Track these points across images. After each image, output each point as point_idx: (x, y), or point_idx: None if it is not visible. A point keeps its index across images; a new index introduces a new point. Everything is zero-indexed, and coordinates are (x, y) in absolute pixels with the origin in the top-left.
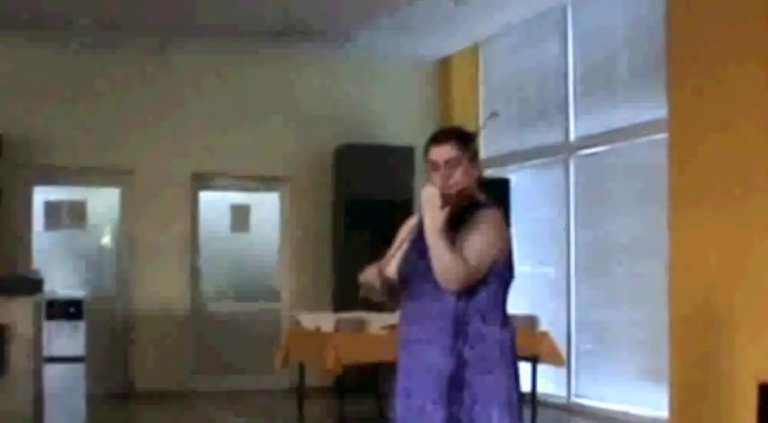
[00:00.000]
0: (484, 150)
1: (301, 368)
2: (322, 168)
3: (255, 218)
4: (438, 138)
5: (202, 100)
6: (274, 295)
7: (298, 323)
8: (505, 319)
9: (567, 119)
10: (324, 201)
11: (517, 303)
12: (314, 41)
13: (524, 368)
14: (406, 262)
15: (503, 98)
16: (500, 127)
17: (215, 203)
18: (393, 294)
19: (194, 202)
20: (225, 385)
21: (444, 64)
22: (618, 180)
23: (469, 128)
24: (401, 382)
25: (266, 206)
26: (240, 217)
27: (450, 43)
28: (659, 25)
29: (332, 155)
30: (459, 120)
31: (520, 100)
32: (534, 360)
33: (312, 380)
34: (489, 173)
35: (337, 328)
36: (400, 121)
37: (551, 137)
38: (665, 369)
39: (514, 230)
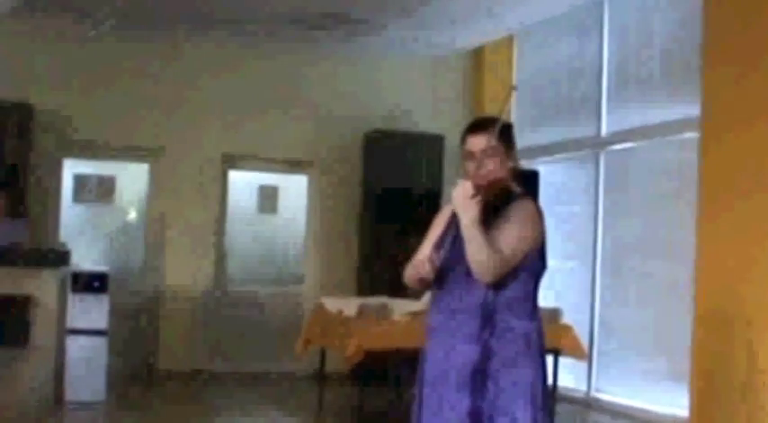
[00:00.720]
0: None
1: (323, 354)
2: (351, 154)
3: (283, 200)
4: (474, 127)
5: (235, 83)
6: (298, 279)
7: (321, 307)
8: (534, 312)
9: (599, 113)
10: (352, 186)
11: (543, 297)
12: (349, 30)
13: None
14: (438, 249)
15: (535, 90)
16: (531, 119)
17: (244, 184)
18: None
19: (223, 181)
20: (246, 368)
21: (478, 54)
22: (648, 177)
23: (504, 119)
24: (427, 371)
25: (294, 188)
26: (268, 198)
27: (485, 34)
28: (696, 23)
29: (361, 140)
30: (490, 111)
31: (552, 92)
32: (556, 353)
33: (334, 365)
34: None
35: (360, 313)
36: (431, 110)
37: (583, 131)
38: (687, 368)
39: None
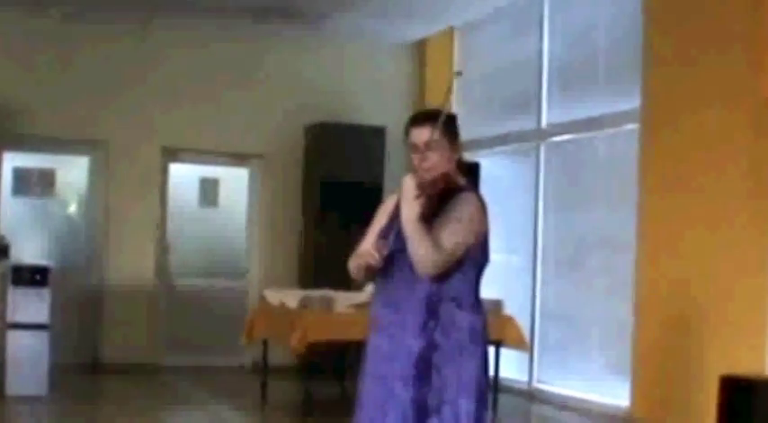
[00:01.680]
0: None
1: (265, 346)
2: (294, 146)
3: (225, 193)
4: (417, 119)
5: (178, 75)
6: (241, 272)
7: (264, 299)
8: (478, 305)
9: (539, 106)
10: (294, 179)
11: (484, 289)
12: (292, 21)
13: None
14: (382, 238)
15: (477, 83)
16: (473, 112)
17: (185, 177)
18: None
19: (164, 174)
20: (191, 361)
21: (420, 47)
22: (590, 171)
23: (447, 110)
24: (371, 363)
25: (236, 181)
26: (209, 191)
27: (427, 27)
28: (637, 16)
29: (304, 133)
30: (432, 103)
31: (494, 86)
32: (498, 344)
33: (278, 358)
34: None
35: (303, 306)
36: (374, 102)
37: (523, 123)
38: (628, 360)
39: None
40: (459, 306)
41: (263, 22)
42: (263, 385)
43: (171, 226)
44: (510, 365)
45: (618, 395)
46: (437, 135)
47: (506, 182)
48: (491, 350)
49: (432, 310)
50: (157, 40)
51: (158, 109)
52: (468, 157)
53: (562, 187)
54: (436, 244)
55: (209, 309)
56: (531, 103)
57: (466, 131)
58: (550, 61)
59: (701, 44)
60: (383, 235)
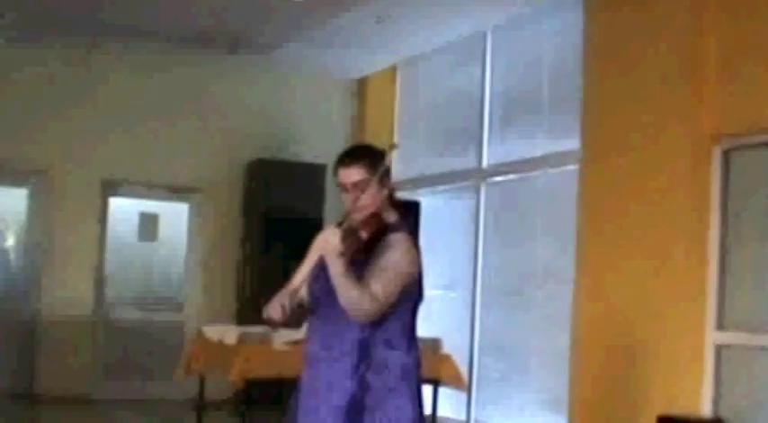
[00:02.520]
0: (395, 172)
1: (202, 380)
2: (234, 182)
3: (164, 227)
4: (345, 159)
5: (120, 104)
6: (178, 306)
7: (201, 335)
8: (412, 344)
9: (480, 145)
10: (234, 214)
11: (423, 327)
12: (238, 52)
13: (425, 391)
14: (314, 281)
15: (418, 120)
16: (413, 150)
17: (124, 211)
18: (299, 317)
19: (103, 207)
20: (127, 393)
21: (362, 83)
22: (530, 209)
23: (380, 147)
24: (304, 400)
25: (175, 216)
26: (149, 226)
27: (370, 62)
28: (578, 56)
29: (244, 169)
30: (372, 139)
31: (435, 123)
32: (436, 383)
33: (215, 392)
34: (400, 195)
35: (241, 342)
36: (316, 137)
37: (464, 162)
38: (565, 397)
39: (424, 254)
40: (393, 347)
41: (208, 52)
42: (199, 419)
43: (110, 258)
44: (448, 403)
45: None
46: (364, 174)
47: (447, 219)
48: (429, 389)
49: (364, 352)
50: (100, 68)
51: (100, 140)
52: (409, 195)
53: (502, 224)
54: (369, 294)
55: (146, 341)
56: (473, 141)
57: (407, 169)
58: (492, 98)
59: (642, 78)
60: (314, 275)
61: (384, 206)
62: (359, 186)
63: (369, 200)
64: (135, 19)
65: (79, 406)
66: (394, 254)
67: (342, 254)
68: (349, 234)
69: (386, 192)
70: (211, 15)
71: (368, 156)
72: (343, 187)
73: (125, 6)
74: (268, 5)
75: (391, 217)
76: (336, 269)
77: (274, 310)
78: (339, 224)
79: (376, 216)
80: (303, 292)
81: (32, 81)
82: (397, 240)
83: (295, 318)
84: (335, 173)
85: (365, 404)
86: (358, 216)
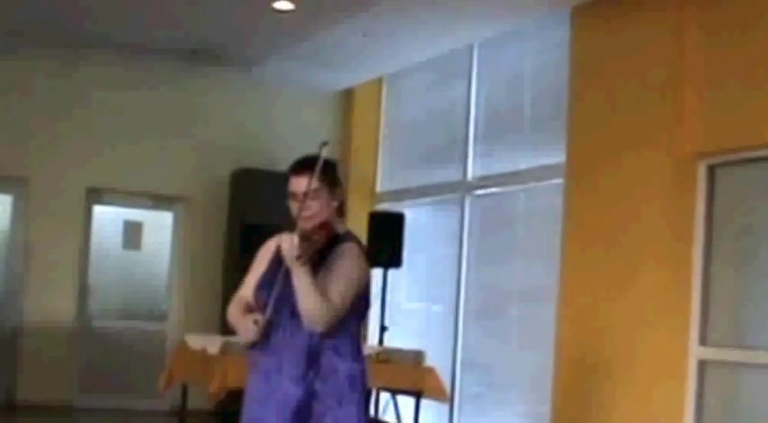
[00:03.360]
0: (380, 184)
1: (184, 391)
2: (218, 191)
3: (148, 236)
4: (296, 168)
5: (105, 114)
6: (162, 316)
7: (184, 344)
8: (357, 352)
9: (465, 158)
10: (218, 224)
11: (406, 338)
12: (222, 65)
13: (408, 403)
14: (262, 288)
15: (403, 133)
16: (398, 162)
17: (108, 219)
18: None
19: (88, 215)
20: (109, 404)
21: (348, 95)
22: (514, 223)
23: (364, 160)
24: (251, 410)
25: (160, 225)
26: (133, 234)
27: (356, 75)
28: (564, 70)
29: (228, 178)
30: (357, 152)
31: (420, 136)
32: (418, 395)
33: (196, 403)
34: (384, 207)
35: (224, 352)
36: (300, 148)
37: (449, 175)
38: (548, 413)
39: (407, 266)
40: (340, 355)
41: (192, 65)
42: None
43: (93, 267)
44: (430, 415)
45: None
46: (315, 183)
47: (430, 232)
48: (411, 401)
49: (312, 360)
50: (84, 79)
51: (84, 148)
52: (394, 207)
53: (486, 238)
54: (329, 302)
55: (129, 351)
56: (457, 154)
57: (392, 181)
58: (477, 111)
59: (625, 96)
60: (261, 284)
61: (333, 217)
62: (309, 195)
63: (318, 209)
64: (120, 32)
65: (61, 416)
66: (346, 263)
67: (299, 257)
68: (304, 239)
69: (335, 203)
70: (197, 29)
71: (321, 167)
72: (293, 196)
73: (110, 19)
74: (254, 20)
75: (340, 227)
76: (301, 276)
77: (249, 330)
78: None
79: (326, 225)
80: (249, 295)
81: (16, 90)
82: (348, 249)
83: (267, 332)
84: (287, 181)
85: (313, 411)
86: (307, 225)
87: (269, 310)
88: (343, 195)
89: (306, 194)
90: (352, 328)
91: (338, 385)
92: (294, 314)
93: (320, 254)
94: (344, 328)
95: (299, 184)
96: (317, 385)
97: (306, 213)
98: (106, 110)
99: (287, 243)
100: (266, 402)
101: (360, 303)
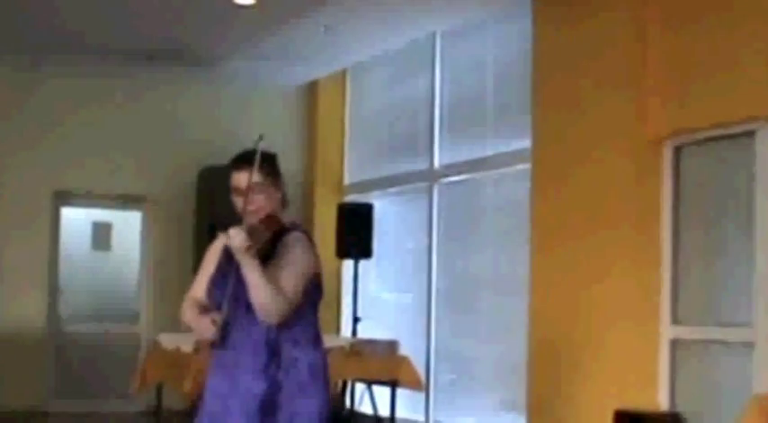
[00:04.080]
0: (348, 176)
1: (159, 391)
2: (186, 190)
3: (117, 237)
4: (236, 163)
5: (69, 116)
6: (134, 317)
7: (158, 344)
8: (317, 341)
9: (432, 147)
10: (186, 222)
11: (379, 329)
12: (184, 65)
13: (383, 392)
14: (215, 287)
15: (369, 125)
16: (365, 153)
17: (77, 221)
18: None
19: (55, 218)
20: (82, 407)
21: (311, 89)
22: (483, 212)
23: (330, 153)
24: (211, 405)
25: (128, 225)
26: (102, 235)
27: (319, 69)
28: (527, 58)
29: (196, 177)
30: (323, 145)
31: (386, 127)
32: (394, 385)
33: (172, 402)
34: (352, 198)
35: (198, 349)
36: (267, 144)
37: (416, 164)
38: (523, 399)
39: (378, 257)
40: (299, 345)
41: (155, 65)
42: None
43: (63, 270)
44: (406, 405)
45: None
46: (257, 177)
47: (399, 222)
48: (387, 390)
49: (272, 352)
50: (47, 82)
51: (50, 151)
52: (361, 198)
53: (455, 227)
54: (281, 293)
55: (102, 354)
56: (424, 143)
57: (359, 172)
58: (442, 101)
59: (589, 82)
60: (214, 281)
61: (278, 208)
62: (252, 189)
63: (263, 202)
64: (81, 34)
65: (37, 421)
66: (294, 252)
67: (249, 247)
68: (252, 232)
69: (279, 195)
70: (157, 29)
71: (261, 158)
72: (236, 191)
73: (71, 22)
74: (214, 18)
75: (286, 218)
76: (251, 268)
77: (207, 330)
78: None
79: (271, 217)
80: (200, 293)
81: None
82: (296, 239)
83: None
84: (229, 176)
85: (277, 403)
86: (253, 219)
87: (224, 309)
88: (284, 186)
89: (249, 188)
90: (309, 316)
91: (300, 375)
92: (249, 309)
93: (269, 245)
94: (301, 318)
95: (240, 178)
96: (281, 377)
97: (251, 207)
98: (70, 112)
99: (236, 237)
100: (228, 397)
101: (313, 291)
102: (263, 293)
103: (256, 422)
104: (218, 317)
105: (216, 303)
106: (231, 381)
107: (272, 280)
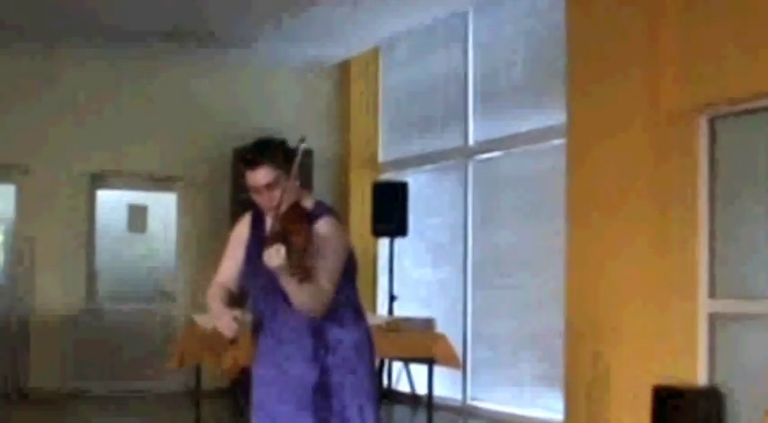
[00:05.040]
0: (382, 154)
1: (197, 370)
2: (221, 169)
3: (153, 218)
4: (250, 162)
5: (103, 99)
6: (170, 297)
7: (193, 324)
8: (359, 316)
9: (465, 124)
10: (221, 202)
11: (414, 307)
12: (216, 44)
13: (421, 370)
14: (247, 279)
15: (402, 102)
16: (399, 131)
17: (112, 203)
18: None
19: (91, 200)
20: (120, 387)
21: (344, 67)
22: (518, 187)
23: (364, 132)
24: (262, 393)
25: (163, 206)
26: (137, 217)
27: (350, 47)
28: (560, 31)
29: (231, 156)
30: (357, 123)
31: (420, 104)
32: (431, 362)
33: (209, 382)
34: (387, 176)
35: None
36: (301, 123)
37: (450, 141)
38: (561, 374)
39: (413, 234)
40: (343, 325)
41: (186, 45)
42: (197, 410)
43: (99, 252)
44: (443, 382)
45: (552, 408)
46: (271, 175)
47: (434, 199)
48: (424, 369)
49: (318, 337)
50: (81, 65)
51: (85, 134)
52: (396, 176)
53: (490, 202)
54: (321, 291)
55: (139, 334)
56: (458, 120)
57: (393, 150)
58: (475, 76)
59: (623, 55)
60: (244, 275)
61: (300, 193)
62: (272, 186)
63: (285, 195)
64: (112, 16)
65: (70, 401)
66: (328, 241)
67: (293, 274)
68: (283, 230)
69: (297, 182)
70: (187, 10)
71: (272, 152)
72: (255, 190)
73: (100, 3)
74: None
75: (308, 201)
76: (291, 285)
77: (228, 328)
78: (254, 215)
79: (296, 207)
80: (225, 279)
81: (9, 79)
82: (325, 225)
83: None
84: (243, 174)
85: (329, 386)
86: (279, 211)
87: (249, 307)
88: (296, 166)
89: (268, 186)
90: (349, 295)
91: (347, 355)
92: (287, 298)
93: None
94: (342, 299)
95: (256, 177)
96: (329, 361)
97: (274, 203)
98: (104, 96)
99: (274, 257)
100: (284, 385)
101: (349, 267)
102: (304, 298)
103: (312, 406)
104: (240, 314)
105: (248, 292)
106: (280, 369)
107: (312, 270)
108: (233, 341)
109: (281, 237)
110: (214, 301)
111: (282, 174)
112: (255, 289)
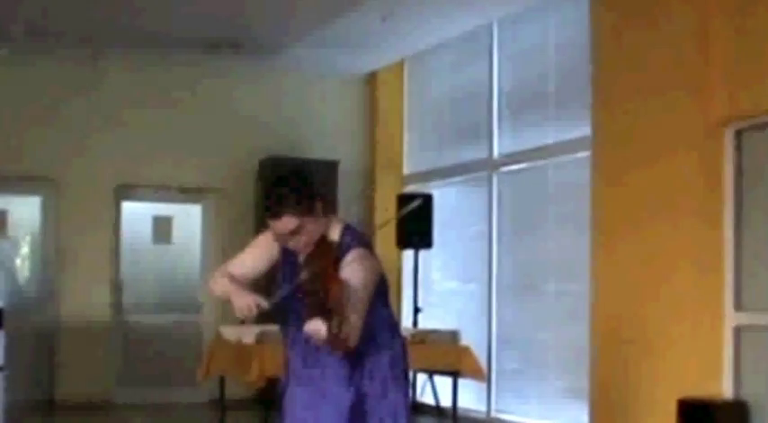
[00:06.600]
0: (407, 166)
1: (222, 381)
2: (246, 181)
3: (178, 229)
4: (273, 211)
5: (129, 109)
6: (196, 308)
7: (219, 336)
8: (394, 333)
9: (491, 136)
10: (247, 213)
11: (441, 319)
12: (244, 54)
13: (445, 383)
14: (284, 302)
15: (428, 114)
16: (424, 143)
17: (138, 214)
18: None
19: (117, 212)
20: (146, 398)
21: (371, 79)
22: (544, 199)
23: (390, 143)
24: (299, 413)
25: (189, 218)
26: (162, 229)
27: (378, 59)
28: (585, 44)
29: (257, 167)
30: (383, 135)
31: (445, 116)
32: (455, 374)
33: (234, 392)
34: (412, 188)
35: (259, 341)
36: (327, 134)
37: (475, 153)
38: (586, 386)
39: (438, 246)
40: (377, 345)
41: (214, 55)
42: (222, 420)
43: (125, 263)
44: (468, 394)
45: (577, 421)
46: (293, 223)
47: (459, 211)
48: (448, 381)
49: (355, 360)
50: (109, 75)
51: (111, 146)
52: (421, 188)
53: (516, 214)
54: (351, 331)
55: (165, 344)
56: (483, 132)
57: (418, 162)
58: (501, 88)
59: (648, 67)
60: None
61: (326, 226)
62: (295, 232)
63: (310, 236)
64: (142, 25)
65: (100, 412)
66: (356, 274)
67: (334, 348)
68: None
69: (321, 216)
70: (217, 18)
71: (294, 198)
72: (281, 238)
73: (130, 12)
74: (273, 6)
75: (335, 232)
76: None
77: (247, 309)
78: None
79: (322, 243)
80: (240, 272)
81: (40, 91)
82: (353, 258)
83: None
84: (266, 221)
85: (365, 409)
86: (308, 249)
87: (276, 297)
88: (319, 199)
89: (293, 232)
90: (383, 314)
91: (382, 375)
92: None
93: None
94: (377, 320)
95: (280, 226)
96: (365, 384)
97: (301, 244)
98: (130, 105)
99: (317, 333)
100: (320, 406)
101: (382, 290)
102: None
103: None
104: (264, 303)
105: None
106: (315, 391)
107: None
108: (243, 322)
109: (311, 283)
110: (232, 282)
111: (302, 219)
112: (291, 313)
